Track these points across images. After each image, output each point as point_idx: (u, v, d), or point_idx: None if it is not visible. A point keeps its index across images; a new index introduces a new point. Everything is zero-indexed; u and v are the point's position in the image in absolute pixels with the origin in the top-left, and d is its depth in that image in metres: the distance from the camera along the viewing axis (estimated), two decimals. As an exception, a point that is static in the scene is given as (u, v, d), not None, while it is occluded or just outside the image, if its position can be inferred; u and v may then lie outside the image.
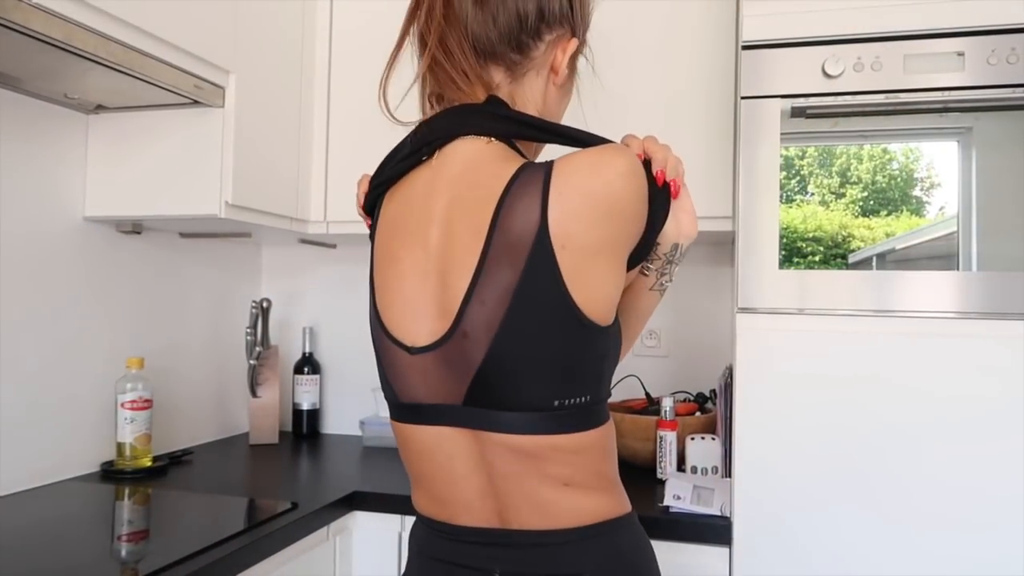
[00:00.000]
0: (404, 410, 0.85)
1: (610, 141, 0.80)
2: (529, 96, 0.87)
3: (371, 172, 0.93)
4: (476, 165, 0.80)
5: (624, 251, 0.79)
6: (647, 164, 0.80)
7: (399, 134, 0.91)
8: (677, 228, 0.85)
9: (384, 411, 1.93)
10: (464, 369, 0.78)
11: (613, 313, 0.79)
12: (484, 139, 0.82)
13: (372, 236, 0.90)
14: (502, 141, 0.83)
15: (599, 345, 0.79)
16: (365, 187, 0.94)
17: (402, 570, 1.44)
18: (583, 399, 0.79)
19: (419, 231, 0.82)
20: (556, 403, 0.77)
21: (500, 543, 0.82)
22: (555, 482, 0.79)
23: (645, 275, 0.88)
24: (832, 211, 1.30)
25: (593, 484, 0.81)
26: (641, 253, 0.82)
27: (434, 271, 0.80)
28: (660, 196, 0.80)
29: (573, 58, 0.89)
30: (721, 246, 1.89)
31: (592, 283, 0.76)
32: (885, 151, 1.31)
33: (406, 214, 0.84)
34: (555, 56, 0.87)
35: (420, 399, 0.82)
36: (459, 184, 0.80)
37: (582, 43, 0.90)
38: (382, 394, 1.92)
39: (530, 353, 0.76)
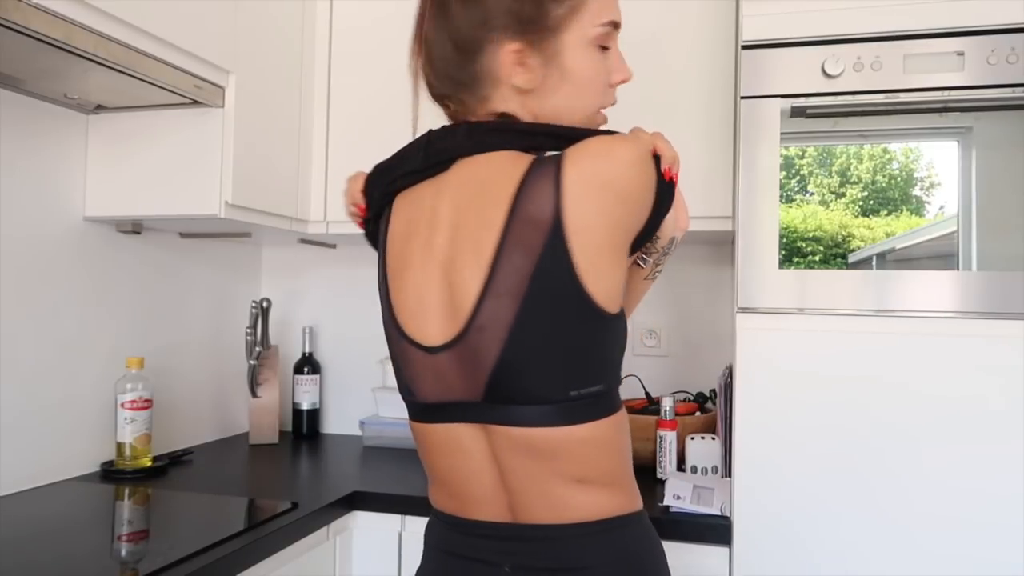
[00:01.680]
0: (422, 409, 0.87)
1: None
2: (531, 105, 0.85)
3: (366, 170, 0.94)
4: (487, 168, 0.82)
5: (628, 239, 0.81)
6: (656, 158, 0.81)
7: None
8: (675, 222, 0.88)
9: (384, 411, 1.94)
10: (481, 365, 0.79)
11: (620, 300, 0.81)
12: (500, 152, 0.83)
13: (382, 242, 0.91)
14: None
15: (610, 332, 0.80)
16: (360, 184, 0.94)
17: (402, 569, 1.45)
18: (598, 387, 0.80)
19: (429, 236, 0.84)
20: (573, 393, 0.79)
21: (511, 537, 0.84)
22: (565, 477, 0.81)
23: (641, 266, 0.92)
24: (832, 211, 1.30)
25: (603, 479, 0.82)
26: (640, 243, 0.83)
27: (443, 272, 0.82)
28: (666, 190, 0.82)
29: (524, 55, 0.82)
30: (721, 246, 1.89)
31: (602, 271, 0.77)
32: (885, 151, 1.31)
33: (417, 220, 0.86)
34: (500, 64, 0.82)
35: (437, 398, 0.84)
36: (469, 186, 0.82)
37: (532, 41, 0.82)
38: (382, 394, 1.94)
39: (546, 343, 0.77)
